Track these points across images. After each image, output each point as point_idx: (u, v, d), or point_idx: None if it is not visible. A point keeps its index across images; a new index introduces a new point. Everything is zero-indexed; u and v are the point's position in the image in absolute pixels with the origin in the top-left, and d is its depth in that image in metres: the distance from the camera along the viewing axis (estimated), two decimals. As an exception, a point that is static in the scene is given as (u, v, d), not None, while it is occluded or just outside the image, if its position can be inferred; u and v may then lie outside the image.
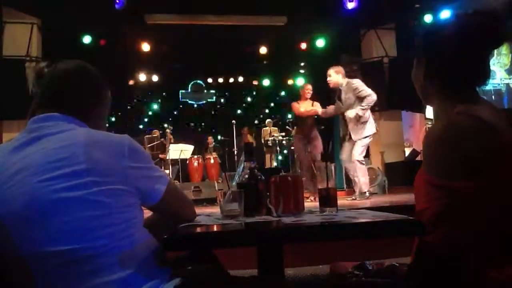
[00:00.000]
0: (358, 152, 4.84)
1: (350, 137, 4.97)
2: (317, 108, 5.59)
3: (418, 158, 7.57)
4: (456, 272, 0.96)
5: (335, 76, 5.03)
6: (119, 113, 11.94)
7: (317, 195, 1.38)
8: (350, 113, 4.83)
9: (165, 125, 7.88)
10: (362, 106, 4.78)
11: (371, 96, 4.79)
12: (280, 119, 10.14)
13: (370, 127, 4.88)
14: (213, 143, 9.87)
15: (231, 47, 8.33)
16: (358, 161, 4.83)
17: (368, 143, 5.00)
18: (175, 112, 12.96)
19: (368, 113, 4.88)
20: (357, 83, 4.94)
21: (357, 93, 4.84)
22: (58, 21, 6.94)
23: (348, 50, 8.54)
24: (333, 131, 9.58)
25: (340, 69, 5.12)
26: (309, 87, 5.81)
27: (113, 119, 11.38)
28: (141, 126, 12.57)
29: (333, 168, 1.39)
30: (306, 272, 2.37)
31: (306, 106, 5.67)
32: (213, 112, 13.05)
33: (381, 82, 7.42)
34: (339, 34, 8.02)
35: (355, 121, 4.82)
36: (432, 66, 1.12)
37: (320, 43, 8.20)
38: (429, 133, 1.04)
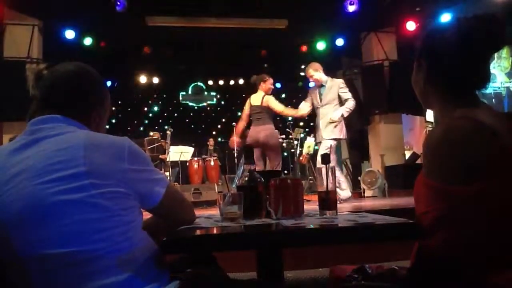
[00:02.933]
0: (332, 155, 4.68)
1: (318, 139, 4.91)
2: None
3: (418, 161, 7.57)
4: (455, 276, 0.96)
5: (317, 73, 4.91)
6: (120, 115, 11.94)
7: None
8: (335, 116, 4.70)
9: (166, 127, 7.88)
10: (347, 108, 4.72)
11: (353, 101, 4.78)
12: (280, 122, 10.13)
13: (339, 131, 4.79)
14: (213, 145, 9.87)
15: (232, 50, 8.34)
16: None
17: (334, 146, 4.82)
18: (176, 114, 12.96)
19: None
20: (343, 83, 4.90)
21: (341, 92, 4.79)
22: (59, 23, 6.96)
23: (349, 53, 8.55)
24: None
25: (318, 65, 4.99)
26: (272, 80, 5.25)
27: (113, 121, 11.39)
28: (141, 128, 12.57)
29: (332, 171, 1.39)
30: (305, 275, 2.37)
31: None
32: (213, 115, 13.05)
33: (381, 85, 7.44)
34: (340, 37, 8.03)
35: (331, 121, 4.75)
36: (432, 70, 1.12)
37: (321, 46, 8.22)
38: (429, 137, 1.04)
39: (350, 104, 4.76)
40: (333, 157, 4.69)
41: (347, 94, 4.80)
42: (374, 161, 7.79)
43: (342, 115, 4.71)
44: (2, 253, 0.90)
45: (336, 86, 4.85)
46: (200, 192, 6.12)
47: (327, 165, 1.38)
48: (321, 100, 4.89)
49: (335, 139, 4.77)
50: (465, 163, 0.95)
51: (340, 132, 4.79)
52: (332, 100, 4.83)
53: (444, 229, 0.97)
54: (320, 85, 4.93)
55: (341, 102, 4.83)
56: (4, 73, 6.02)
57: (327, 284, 1.37)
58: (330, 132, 4.75)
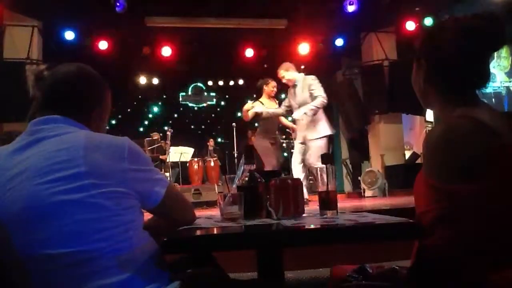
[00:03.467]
0: (316, 156, 4.43)
1: (302, 139, 4.70)
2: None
3: (418, 161, 7.57)
4: (456, 275, 0.96)
5: (288, 73, 4.73)
6: (119, 116, 11.95)
7: None
8: (297, 115, 4.51)
9: (166, 128, 7.89)
10: (312, 106, 4.45)
11: (324, 98, 4.49)
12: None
13: (324, 128, 4.58)
14: (213, 146, 9.87)
15: (232, 50, 8.34)
16: (315, 166, 4.32)
17: (326, 145, 4.61)
18: (176, 115, 12.96)
19: (321, 113, 4.59)
20: (314, 80, 4.63)
21: (311, 89, 4.54)
22: (59, 24, 6.96)
23: (349, 53, 8.55)
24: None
25: (289, 65, 4.82)
26: (275, 83, 5.18)
27: (113, 121, 11.39)
28: (141, 129, 12.57)
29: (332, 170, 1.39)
30: (306, 275, 2.37)
31: (272, 106, 5.21)
32: (213, 115, 13.04)
33: (381, 85, 7.44)
34: (340, 37, 8.04)
35: (306, 120, 4.52)
36: (432, 69, 1.12)
37: (321, 46, 8.21)
38: (429, 137, 1.04)
39: (317, 101, 4.47)
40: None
41: (316, 91, 4.52)
42: (374, 161, 7.79)
43: (305, 114, 4.46)
44: (2, 253, 0.90)
45: (307, 85, 4.60)
46: (200, 192, 6.12)
47: (327, 165, 1.38)
48: (295, 100, 4.70)
49: (325, 137, 4.60)
50: (465, 162, 0.95)
51: (326, 130, 4.59)
52: (306, 99, 4.57)
53: (444, 228, 0.97)
54: (294, 85, 4.74)
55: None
56: (4, 74, 6.02)
57: (327, 284, 1.37)
58: (316, 132, 4.58)
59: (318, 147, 4.52)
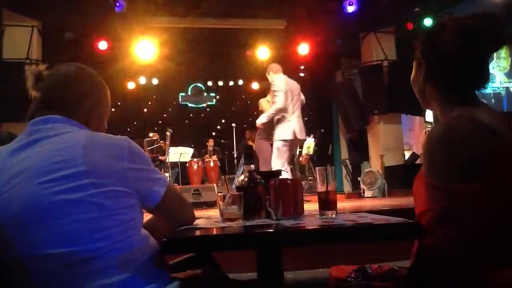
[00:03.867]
0: (273, 157, 4.53)
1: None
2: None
3: (418, 161, 7.57)
4: (456, 275, 0.96)
5: (269, 76, 4.73)
6: (119, 116, 11.94)
7: None
8: (258, 121, 4.58)
9: (165, 128, 7.89)
10: (267, 113, 4.50)
11: (277, 104, 4.44)
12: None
13: (284, 131, 4.54)
14: (213, 146, 9.87)
15: (231, 50, 8.35)
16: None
17: (283, 147, 4.59)
18: (175, 115, 12.95)
19: (285, 117, 4.52)
20: (273, 86, 4.56)
21: (273, 94, 4.53)
22: (59, 24, 6.96)
23: (348, 53, 8.56)
24: (333, 133, 9.60)
25: (271, 66, 4.78)
26: None
27: (112, 122, 11.39)
28: (140, 129, 12.56)
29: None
30: (305, 275, 2.37)
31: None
32: (213, 115, 13.04)
33: (380, 86, 7.45)
34: (339, 38, 8.04)
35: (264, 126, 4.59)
36: (431, 69, 1.12)
37: (320, 46, 8.21)
38: (429, 137, 1.04)
39: (271, 108, 4.50)
40: (279, 161, 4.59)
41: (274, 97, 4.51)
42: (374, 161, 7.80)
43: (261, 124, 4.54)
44: (2, 253, 0.90)
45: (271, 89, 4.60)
46: (199, 193, 6.11)
47: (327, 165, 1.38)
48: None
49: (279, 140, 4.62)
50: (465, 162, 0.95)
51: (280, 134, 4.58)
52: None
53: (444, 228, 0.97)
54: None
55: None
56: (3, 74, 6.02)
57: (327, 284, 1.37)
58: (273, 132, 4.67)
59: (274, 148, 4.61)
